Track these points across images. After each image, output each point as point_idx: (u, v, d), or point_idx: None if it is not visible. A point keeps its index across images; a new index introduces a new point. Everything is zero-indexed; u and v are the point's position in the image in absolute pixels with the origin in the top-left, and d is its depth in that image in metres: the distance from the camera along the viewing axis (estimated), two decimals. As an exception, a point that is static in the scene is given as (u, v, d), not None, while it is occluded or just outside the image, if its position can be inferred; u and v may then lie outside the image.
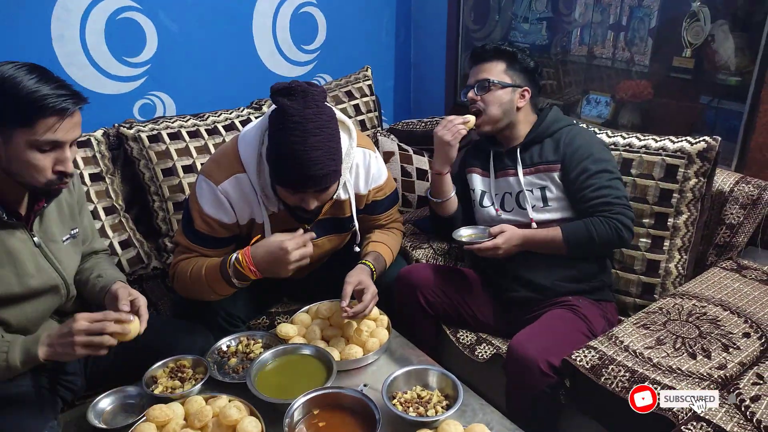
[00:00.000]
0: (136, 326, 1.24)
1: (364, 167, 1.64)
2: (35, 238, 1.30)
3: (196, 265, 1.52)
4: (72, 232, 1.41)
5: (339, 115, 1.52)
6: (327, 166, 1.37)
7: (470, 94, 1.73)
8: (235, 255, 1.44)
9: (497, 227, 1.64)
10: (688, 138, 1.70)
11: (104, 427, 1.28)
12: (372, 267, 1.62)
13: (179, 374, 1.39)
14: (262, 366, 1.42)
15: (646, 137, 1.77)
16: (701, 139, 1.67)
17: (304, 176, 1.36)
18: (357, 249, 1.73)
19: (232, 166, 1.52)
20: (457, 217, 1.84)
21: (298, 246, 1.39)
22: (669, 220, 1.70)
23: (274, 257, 1.39)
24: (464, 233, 1.69)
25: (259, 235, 1.52)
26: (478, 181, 1.82)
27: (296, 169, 1.36)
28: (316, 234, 1.59)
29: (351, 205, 1.64)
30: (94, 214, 1.94)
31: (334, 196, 1.56)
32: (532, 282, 1.66)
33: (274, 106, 1.39)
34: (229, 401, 1.28)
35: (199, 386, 1.34)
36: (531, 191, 1.69)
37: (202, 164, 1.84)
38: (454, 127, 1.70)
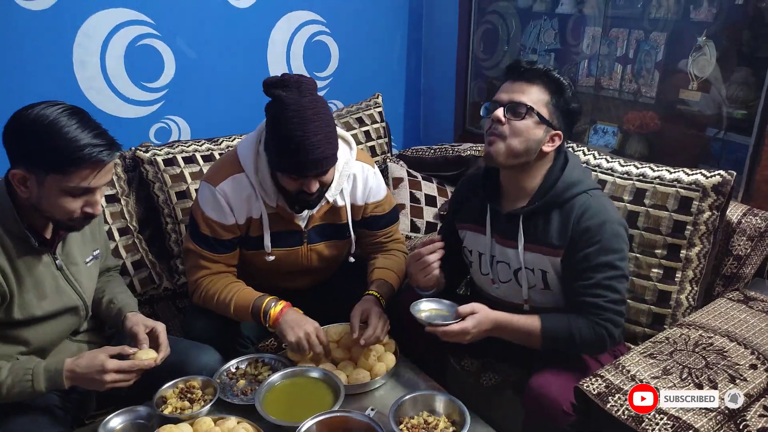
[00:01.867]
0: (155, 356, 1.34)
1: (362, 179, 1.70)
2: (57, 261, 1.34)
3: (222, 294, 1.59)
4: (94, 253, 1.45)
5: (339, 130, 1.60)
6: (326, 149, 1.45)
7: (498, 113, 1.39)
8: (268, 303, 1.56)
9: (467, 307, 1.39)
10: (703, 171, 1.70)
11: None
12: (377, 294, 1.64)
13: (188, 395, 1.41)
14: (270, 388, 1.43)
15: (660, 168, 1.78)
16: (716, 173, 1.67)
17: (306, 161, 1.44)
18: (352, 259, 1.78)
19: (229, 168, 1.60)
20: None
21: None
22: (682, 251, 1.70)
23: None
24: (424, 308, 1.47)
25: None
26: (471, 241, 1.60)
27: (298, 155, 1.43)
28: (313, 239, 1.69)
29: (347, 212, 1.69)
30: (109, 235, 1.98)
31: (331, 201, 1.66)
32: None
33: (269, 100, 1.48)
34: (238, 423, 1.30)
35: (208, 407, 1.36)
36: (532, 270, 1.47)
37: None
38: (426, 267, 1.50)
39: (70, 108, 1.19)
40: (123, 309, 1.48)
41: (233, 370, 1.54)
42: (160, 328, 1.41)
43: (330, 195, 1.65)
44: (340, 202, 1.69)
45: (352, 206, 1.71)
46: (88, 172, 1.16)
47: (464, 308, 1.39)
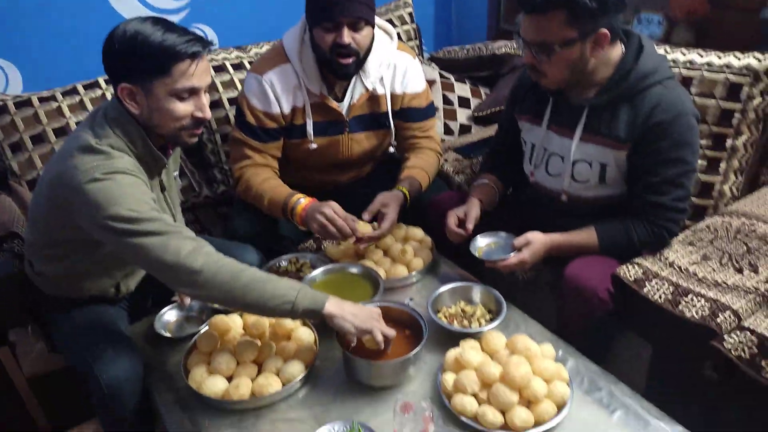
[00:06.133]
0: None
1: (402, 69, 1.73)
2: (162, 183, 1.38)
3: (260, 189, 1.64)
4: (175, 174, 1.48)
5: (380, 21, 1.64)
6: None
7: (526, 57, 1.35)
8: (294, 201, 1.57)
9: (522, 238, 1.41)
10: (756, 54, 1.61)
11: (170, 336, 1.38)
12: (405, 191, 1.66)
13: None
14: (312, 283, 1.49)
15: (708, 53, 1.68)
16: (770, 55, 1.58)
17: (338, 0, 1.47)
18: (392, 149, 1.83)
19: (275, 58, 1.65)
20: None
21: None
22: (728, 140, 1.64)
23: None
24: (482, 243, 1.49)
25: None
26: (528, 131, 1.56)
27: None
28: (354, 128, 1.73)
29: (387, 100, 1.72)
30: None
31: (371, 89, 1.69)
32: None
33: None
34: (284, 313, 1.36)
35: (255, 300, 1.43)
36: (589, 164, 1.42)
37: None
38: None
39: (152, 17, 1.20)
40: None
41: (276, 268, 1.60)
42: None
43: (369, 82, 1.69)
44: (380, 91, 1.72)
45: (392, 96, 1.74)
46: (186, 65, 1.16)
47: (519, 240, 1.41)
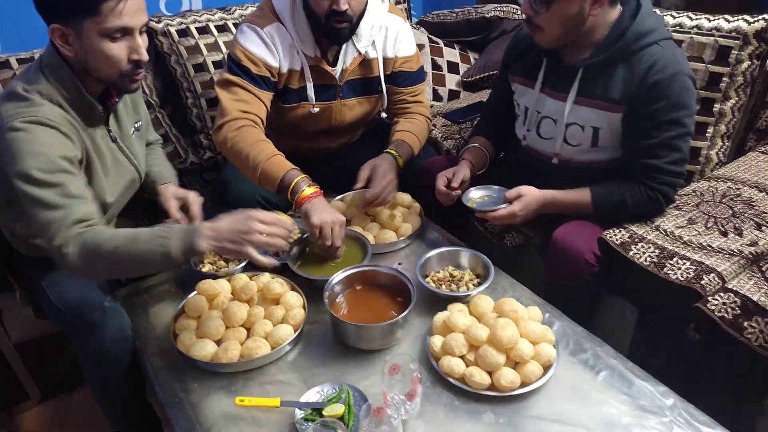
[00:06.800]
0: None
1: (393, 31, 1.72)
2: (111, 134, 1.34)
3: (251, 154, 1.50)
4: (136, 125, 1.45)
5: None
6: None
7: (526, 7, 1.32)
8: (298, 183, 1.45)
9: (514, 191, 1.41)
10: (745, 17, 1.60)
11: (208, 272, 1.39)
12: (394, 153, 1.65)
13: (223, 255, 1.47)
14: (301, 249, 1.49)
15: (698, 16, 1.67)
16: (760, 17, 1.57)
17: None
18: (383, 115, 1.81)
19: (269, 16, 1.60)
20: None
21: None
22: (715, 105, 1.64)
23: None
24: (475, 195, 1.50)
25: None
26: (521, 94, 1.55)
27: None
28: (347, 94, 1.71)
29: (378, 64, 1.71)
30: (131, 110, 1.97)
31: (363, 52, 1.67)
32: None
33: None
34: (272, 278, 1.36)
35: (242, 265, 1.42)
36: (582, 128, 1.40)
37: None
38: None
39: None
40: (156, 181, 1.50)
41: (264, 234, 1.59)
42: (192, 198, 1.43)
43: (362, 46, 1.67)
44: (372, 54, 1.71)
45: (383, 60, 1.72)
46: (115, 3, 1.12)
47: (511, 192, 1.41)
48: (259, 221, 1.18)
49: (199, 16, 2.12)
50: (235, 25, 2.15)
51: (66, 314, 1.30)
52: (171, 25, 2.05)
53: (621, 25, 1.31)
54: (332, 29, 1.54)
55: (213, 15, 2.15)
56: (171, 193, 1.45)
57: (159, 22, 2.05)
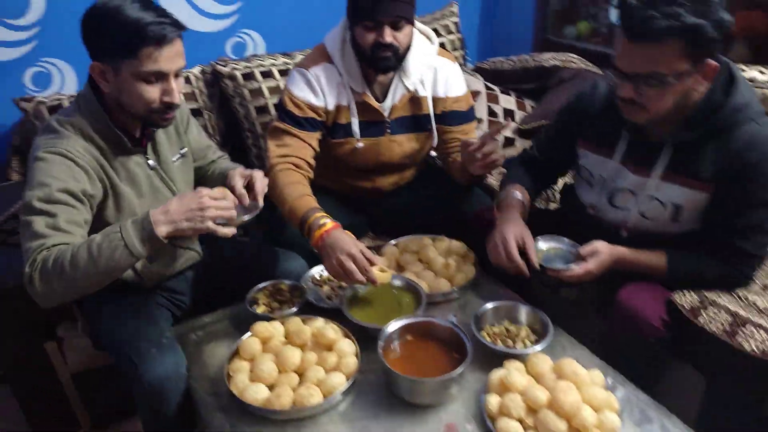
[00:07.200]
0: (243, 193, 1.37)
1: (443, 72, 1.74)
2: (150, 162, 1.39)
3: (284, 190, 1.54)
4: (181, 151, 1.48)
5: (420, 25, 1.69)
6: None
7: (625, 90, 1.20)
8: (316, 219, 1.44)
9: (589, 247, 1.33)
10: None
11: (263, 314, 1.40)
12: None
13: (278, 297, 1.48)
14: (354, 294, 1.48)
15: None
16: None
17: None
18: (433, 153, 1.82)
19: (319, 57, 1.68)
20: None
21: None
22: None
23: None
24: (541, 247, 1.42)
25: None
26: (593, 162, 1.45)
27: None
28: (396, 130, 1.73)
29: (428, 102, 1.73)
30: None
31: (412, 89, 1.70)
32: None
33: None
34: (325, 323, 1.36)
35: (296, 308, 1.43)
36: (662, 203, 1.32)
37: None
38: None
39: None
40: (226, 170, 1.51)
41: (317, 277, 1.60)
42: (258, 175, 1.41)
43: (410, 83, 1.70)
44: (422, 93, 1.73)
45: (433, 99, 1.74)
46: (153, 49, 1.17)
47: (586, 249, 1.34)
48: (208, 196, 1.20)
49: (263, 61, 2.20)
50: (297, 69, 2.21)
51: (123, 347, 1.32)
52: (237, 69, 2.13)
53: (713, 98, 1.22)
54: (378, 59, 1.58)
55: (276, 60, 2.22)
56: (238, 172, 1.44)
57: (225, 65, 2.13)
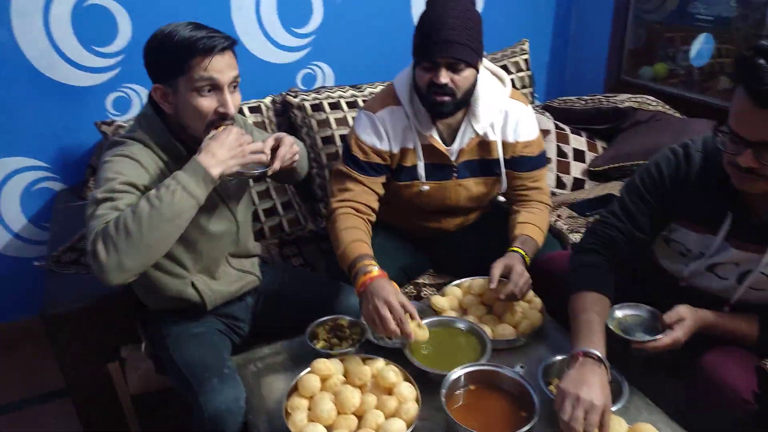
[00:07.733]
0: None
1: (514, 116, 1.68)
2: None
3: (340, 234, 1.54)
4: None
5: (493, 67, 1.67)
6: (459, 35, 1.45)
7: (746, 159, 1.09)
8: (363, 265, 1.43)
9: (674, 314, 1.24)
10: None
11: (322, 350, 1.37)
12: (522, 252, 1.57)
13: (338, 333, 1.45)
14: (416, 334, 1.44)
15: None
16: None
17: (437, 39, 1.46)
18: (502, 199, 1.77)
19: (387, 99, 1.66)
20: None
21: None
22: None
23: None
24: (619, 315, 1.32)
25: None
26: (689, 238, 1.33)
27: (430, 35, 1.47)
28: (463, 174, 1.69)
29: (498, 147, 1.67)
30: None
31: (481, 133, 1.65)
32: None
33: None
34: (386, 364, 1.32)
35: (356, 346, 1.40)
36: None
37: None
38: None
39: (191, 22, 1.25)
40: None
41: (378, 315, 1.56)
42: (287, 140, 1.37)
43: (479, 127, 1.65)
44: (491, 137, 1.67)
45: (503, 144, 1.69)
46: (202, 57, 1.20)
47: (671, 316, 1.24)
48: (238, 133, 1.24)
49: (332, 93, 2.23)
50: (364, 101, 2.23)
51: (185, 375, 1.33)
52: (306, 100, 2.17)
53: None
54: (434, 102, 1.55)
55: (345, 92, 2.25)
56: (274, 134, 1.41)
57: (296, 96, 2.17)
